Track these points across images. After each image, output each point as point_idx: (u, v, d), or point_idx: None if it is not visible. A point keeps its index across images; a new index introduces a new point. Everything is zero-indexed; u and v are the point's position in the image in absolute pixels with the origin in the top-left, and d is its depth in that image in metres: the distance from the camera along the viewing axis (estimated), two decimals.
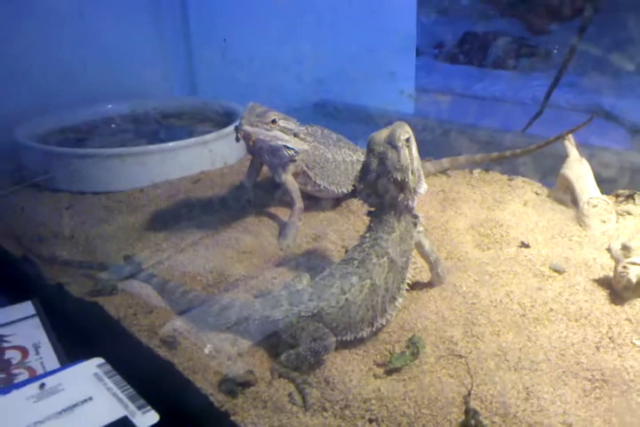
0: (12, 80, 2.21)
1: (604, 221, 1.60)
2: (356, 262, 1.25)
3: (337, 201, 1.84)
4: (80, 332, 1.37)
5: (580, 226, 1.62)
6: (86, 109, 2.42)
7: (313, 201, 1.80)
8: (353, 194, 1.79)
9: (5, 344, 1.28)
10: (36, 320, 1.37)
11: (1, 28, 2.19)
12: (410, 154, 1.24)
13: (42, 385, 1.11)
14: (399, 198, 1.25)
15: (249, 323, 1.21)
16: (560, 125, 1.89)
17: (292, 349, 1.15)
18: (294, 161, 1.67)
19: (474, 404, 1.03)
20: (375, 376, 1.13)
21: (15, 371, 1.20)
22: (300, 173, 1.72)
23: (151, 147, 2.06)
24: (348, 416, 1.03)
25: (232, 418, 1.03)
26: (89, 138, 2.33)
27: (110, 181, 2.01)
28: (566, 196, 1.75)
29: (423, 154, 2.03)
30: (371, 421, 1.02)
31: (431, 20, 4.18)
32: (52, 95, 2.31)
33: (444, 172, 2.05)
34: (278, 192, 1.78)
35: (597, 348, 1.16)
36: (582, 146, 1.83)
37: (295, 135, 1.63)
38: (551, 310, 1.27)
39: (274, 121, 1.56)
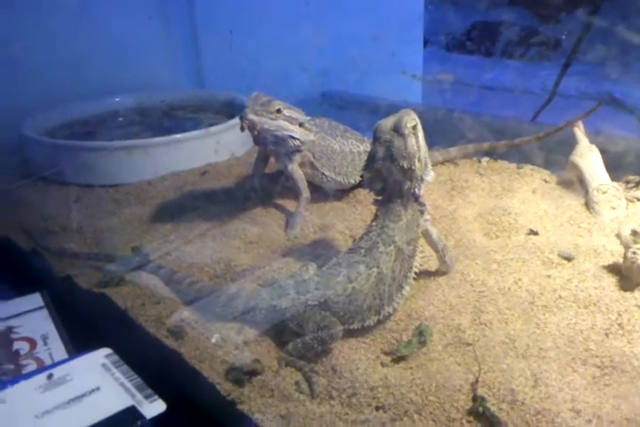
0: (19, 75, 2.22)
1: (614, 208, 1.58)
2: (362, 251, 1.24)
3: (344, 191, 1.83)
4: (88, 323, 1.37)
5: (590, 213, 1.60)
6: (94, 103, 2.43)
7: (320, 191, 1.79)
8: (360, 184, 1.79)
9: (14, 336, 1.29)
10: (45, 312, 1.38)
11: (8, 22, 2.20)
12: (416, 142, 1.23)
13: (50, 375, 1.11)
14: (406, 186, 1.24)
15: (256, 312, 1.22)
16: (570, 114, 1.87)
17: (298, 337, 1.15)
18: (300, 151, 1.67)
19: (481, 391, 1.03)
20: (382, 364, 1.13)
21: (24, 362, 1.21)
22: (306, 163, 1.71)
23: (158, 139, 2.06)
24: (355, 404, 1.03)
25: (239, 407, 1.03)
26: (97, 131, 2.34)
27: (118, 173, 2.02)
28: (576, 183, 1.74)
29: (432, 143, 2.03)
30: (377, 408, 1.02)
31: (439, 9, 4.15)
32: (59, 89, 2.31)
33: (452, 160, 2.04)
34: (281, 180, 1.78)
35: (606, 334, 1.15)
36: (593, 133, 1.81)
37: (300, 125, 1.62)
38: (560, 297, 1.26)
39: (279, 110, 1.55)
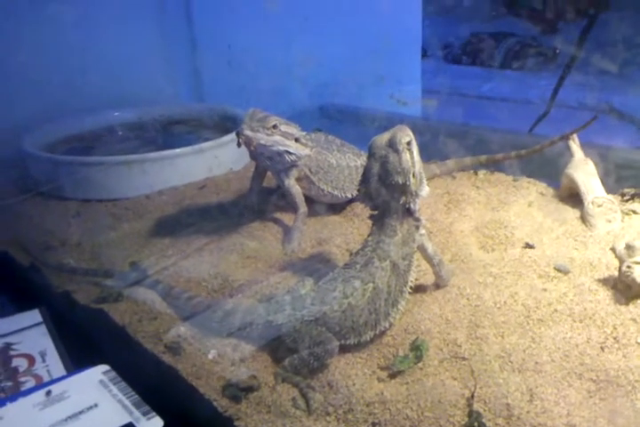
0: (17, 90, 2.23)
1: (610, 221, 1.58)
2: (358, 266, 1.25)
3: (341, 205, 1.84)
4: (86, 339, 1.38)
5: (586, 226, 1.61)
6: (93, 117, 2.44)
7: (317, 205, 1.80)
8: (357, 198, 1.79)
9: (12, 352, 1.30)
10: (43, 328, 1.38)
11: (4, 37, 2.22)
12: (411, 157, 1.24)
13: (48, 392, 1.12)
14: (401, 202, 1.25)
15: (252, 328, 1.22)
16: (568, 125, 1.88)
17: (295, 353, 1.16)
18: (296, 166, 1.68)
19: (477, 406, 1.03)
20: (378, 380, 1.13)
21: (22, 379, 1.21)
22: (303, 177, 1.72)
23: (157, 154, 2.07)
24: (351, 420, 1.03)
25: (236, 423, 1.03)
26: (96, 146, 2.35)
27: (117, 188, 2.03)
28: (571, 196, 1.75)
29: (430, 155, 2.04)
30: (374, 424, 1.02)
31: (437, 21, 4.18)
32: (58, 104, 2.32)
33: (449, 173, 2.05)
34: (273, 197, 1.79)
35: (602, 348, 1.15)
36: (590, 145, 1.82)
37: (296, 140, 1.63)
38: (555, 310, 1.27)
39: (275, 126, 1.56)
